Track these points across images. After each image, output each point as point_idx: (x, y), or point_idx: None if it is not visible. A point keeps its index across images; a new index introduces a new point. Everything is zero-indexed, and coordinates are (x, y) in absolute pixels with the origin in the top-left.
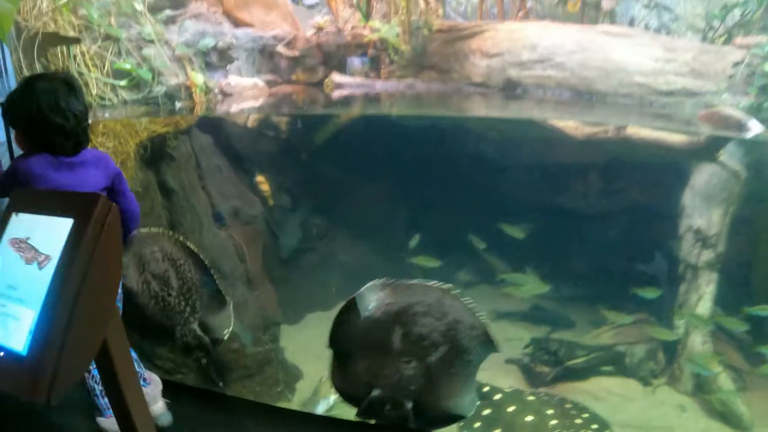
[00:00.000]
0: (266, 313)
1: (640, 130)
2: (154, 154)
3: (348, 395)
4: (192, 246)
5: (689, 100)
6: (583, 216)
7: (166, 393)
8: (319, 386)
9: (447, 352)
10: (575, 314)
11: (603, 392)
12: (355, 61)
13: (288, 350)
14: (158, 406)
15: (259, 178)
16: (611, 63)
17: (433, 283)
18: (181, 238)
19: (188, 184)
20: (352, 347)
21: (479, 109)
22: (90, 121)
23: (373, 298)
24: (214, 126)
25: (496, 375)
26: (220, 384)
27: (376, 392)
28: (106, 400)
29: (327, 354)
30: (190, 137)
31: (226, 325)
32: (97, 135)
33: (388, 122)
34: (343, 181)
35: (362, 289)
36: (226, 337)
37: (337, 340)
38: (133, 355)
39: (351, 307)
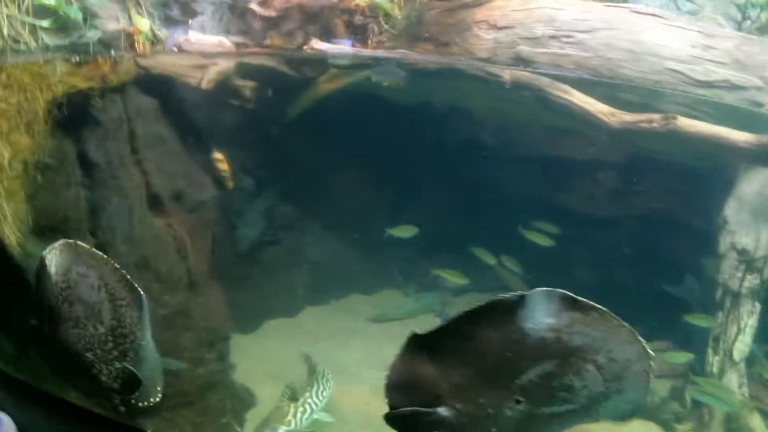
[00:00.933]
0: (212, 324)
1: (695, 123)
2: (74, 115)
3: (397, 389)
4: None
5: (730, 94)
6: (608, 221)
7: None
8: (272, 413)
9: (569, 411)
10: None
11: None
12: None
13: (239, 369)
14: None
15: (217, 155)
16: (641, 45)
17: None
18: (129, 277)
19: (117, 158)
20: (464, 349)
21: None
22: None
23: (553, 312)
24: (158, 85)
25: None
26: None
27: (444, 411)
28: None
29: (288, 374)
30: (124, 97)
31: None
32: None
33: (375, 98)
34: (319, 163)
35: (543, 291)
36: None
37: (454, 327)
38: None
39: (507, 306)
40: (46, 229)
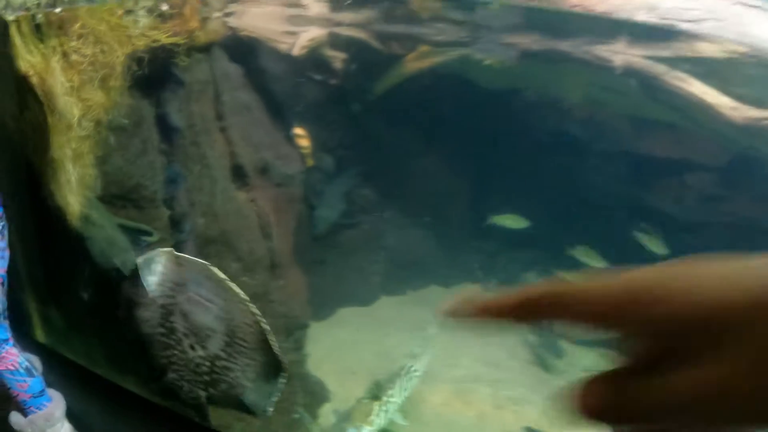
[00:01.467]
0: (291, 310)
1: None
2: (154, 74)
3: None
4: (279, 352)
5: None
6: (700, 226)
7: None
8: (354, 411)
9: None
10: None
11: None
12: None
13: (312, 359)
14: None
15: (297, 130)
16: (749, 38)
17: None
18: (266, 327)
19: (201, 123)
20: None
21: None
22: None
23: None
24: (246, 47)
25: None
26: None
27: None
28: None
29: (362, 367)
30: (211, 58)
31: None
32: (71, 37)
33: (463, 80)
34: (402, 145)
35: None
36: None
37: None
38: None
39: None
40: (114, 198)
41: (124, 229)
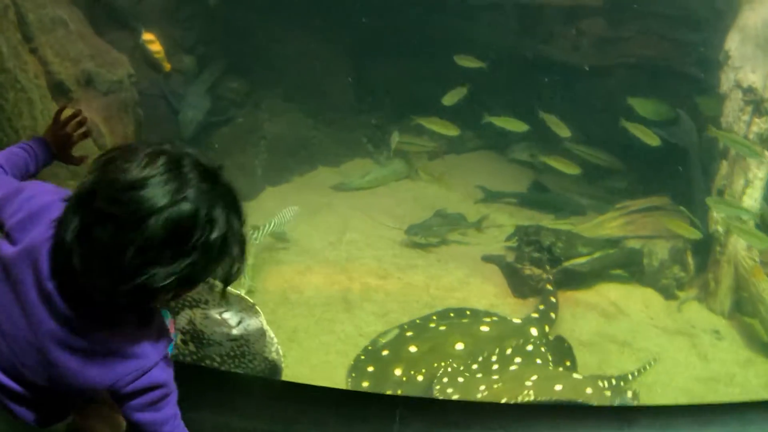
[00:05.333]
0: None
1: None
2: None
3: None
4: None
5: None
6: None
7: None
8: None
9: None
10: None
11: (612, 307)
12: None
13: None
14: None
15: (146, 36)
16: None
17: None
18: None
19: (7, 49)
20: None
21: None
22: None
23: None
24: None
25: (469, 283)
26: None
27: None
28: None
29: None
30: None
31: None
32: None
33: None
34: (268, 30)
35: None
36: None
37: None
38: None
39: None
40: None
41: None
